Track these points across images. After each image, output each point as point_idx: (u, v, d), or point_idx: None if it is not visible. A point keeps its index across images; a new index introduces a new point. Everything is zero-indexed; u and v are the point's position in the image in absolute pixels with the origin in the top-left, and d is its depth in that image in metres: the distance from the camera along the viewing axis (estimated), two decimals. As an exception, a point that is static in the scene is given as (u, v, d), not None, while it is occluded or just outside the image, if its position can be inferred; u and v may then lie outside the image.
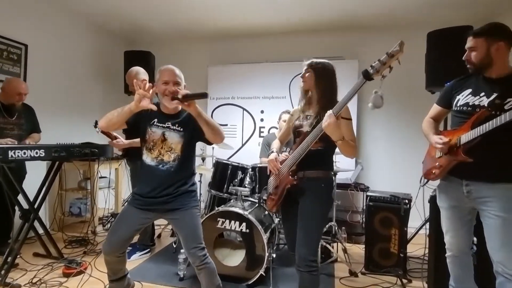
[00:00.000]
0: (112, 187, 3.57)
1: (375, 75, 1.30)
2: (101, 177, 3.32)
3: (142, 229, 1.67)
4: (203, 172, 3.15)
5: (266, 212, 2.41)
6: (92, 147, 2.50)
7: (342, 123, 1.45)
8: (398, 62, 1.26)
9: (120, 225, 1.58)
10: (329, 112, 1.37)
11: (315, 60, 1.56)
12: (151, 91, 1.46)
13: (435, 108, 1.69)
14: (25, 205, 2.45)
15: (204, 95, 1.38)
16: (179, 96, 1.38)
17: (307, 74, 1.55)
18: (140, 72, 2.46)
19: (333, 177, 2.37)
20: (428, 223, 2.30)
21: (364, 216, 3.08)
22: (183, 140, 1.59)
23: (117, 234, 1.56)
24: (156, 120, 1.61)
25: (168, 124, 1.61)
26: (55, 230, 3.18)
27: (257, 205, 2.42)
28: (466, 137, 1.43)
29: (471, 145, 1.42)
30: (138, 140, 2.17)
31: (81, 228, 3.06)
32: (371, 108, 1.33)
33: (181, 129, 1.60)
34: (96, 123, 2.10)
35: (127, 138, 2.30)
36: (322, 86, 1.51)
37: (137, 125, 1.63)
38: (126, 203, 1.69)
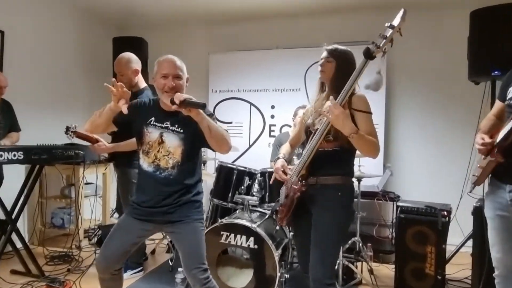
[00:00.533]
0: (100, 194, 3.62)
1: (377, 53, 1.34)
2: (86, 183, 3.37)
3: (140, 242, 1.70)
4: (204, 178, 3.16)
5: (278, 225, 2.41)
6: (77, 149, 2.54)
7: (358, 118, 1.44)
8: (400, 34, 1.31)
9: (116, 236, 1.60)
10: (334, 101, 1.37)
11: (338, 46, 1.55)
12: (124, 89, 1.47)
13: (496, 104, 1.69)
14: (1, 215, 2.50)
15: (202, 106, 1.37)
16: (176, 101, 1.37)
17: (327, 64, 1.54)
18: (132, 59, 2.45)
19: (354, 184, 2.35)
20: (471, 239, 2.26)
21: (394, 230, 3.06)
22: (184, 144, 1.58)
23: (113, 246, 1.58)
24: (153, 118, 1.61)
25: (166, 123, 1.59)
26: (35, 244, 3.25)
27: (267, 216, 2.42)
28: (501, 134, 1.43)
29: (507, 143, 1.41)
30: (124, 143, 2.19)
31: (65, 242, 3.11)
32: (366, 88, 1.40)
33: (181, 130, 1.59)
34: (67, 129, 2.13)
35: (113, 141, 2.31)
36: (343, 80, 1.49)
37: (129, 124, 1.64)
38: (124, 213, 1.71)
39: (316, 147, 1.48)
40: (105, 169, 3.56)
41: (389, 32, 1.31)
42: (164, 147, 1.59)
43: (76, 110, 3.92)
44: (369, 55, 1.35)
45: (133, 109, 1.68)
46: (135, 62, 2.45)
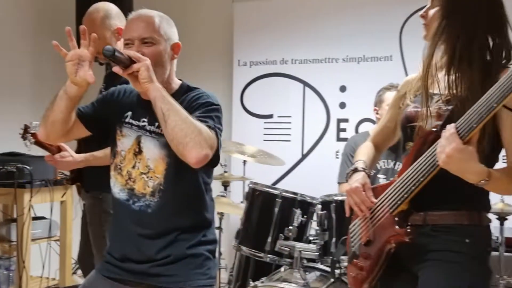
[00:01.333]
0: (55, 236, 3.76)
1: None
2: (35, 218, 3.52)
3: None
4: (225, 211, 3.21)
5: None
6: (20, 162, 2.66)
7: (505, 118, 1.41)
8: None
9: None
10: (450, 130, 1.32)
11: None
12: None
13: None
14: None
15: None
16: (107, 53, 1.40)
17: (431, 11, 1.55)
18: (111, 13, 2.46)
19: (492, 225, 2.30)
20: None
21: None
22: (168, 154, 1.58)
23: None
24: (130, 113, 1.67)
25: (143, 121, 1.64)
26: (-44, 316, 3.45)
27: (333, 280, 2.41)
28: None
29: None
30: (102, 153, 2.23)
31: (1, 314, 3.26)
32: None
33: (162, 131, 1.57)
34: (26, 130, 2.21)
35: (79, 150, 2.37)
36: (464, 34, 1.48)
37: (106, 124, 1.70)
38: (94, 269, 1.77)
39: (430, 175, 1.43)
40: (63, 195, 3.69)
41: None
42: (142, 159, 1.62)
43: (19, 103, 4.09)
44: None
45: (109, 101, 1.74)
46: (116, 16, 2.49)
